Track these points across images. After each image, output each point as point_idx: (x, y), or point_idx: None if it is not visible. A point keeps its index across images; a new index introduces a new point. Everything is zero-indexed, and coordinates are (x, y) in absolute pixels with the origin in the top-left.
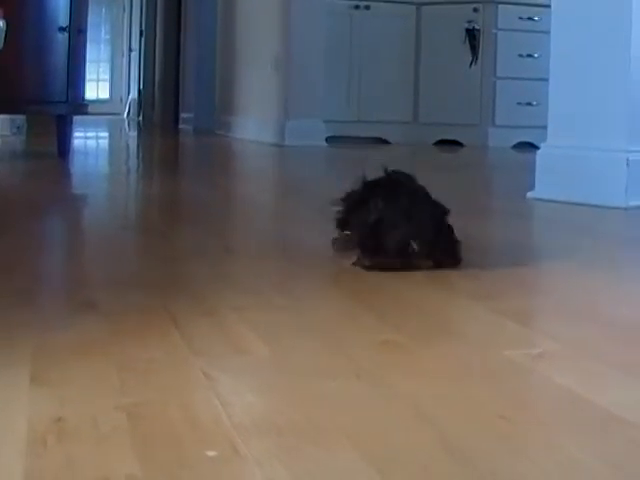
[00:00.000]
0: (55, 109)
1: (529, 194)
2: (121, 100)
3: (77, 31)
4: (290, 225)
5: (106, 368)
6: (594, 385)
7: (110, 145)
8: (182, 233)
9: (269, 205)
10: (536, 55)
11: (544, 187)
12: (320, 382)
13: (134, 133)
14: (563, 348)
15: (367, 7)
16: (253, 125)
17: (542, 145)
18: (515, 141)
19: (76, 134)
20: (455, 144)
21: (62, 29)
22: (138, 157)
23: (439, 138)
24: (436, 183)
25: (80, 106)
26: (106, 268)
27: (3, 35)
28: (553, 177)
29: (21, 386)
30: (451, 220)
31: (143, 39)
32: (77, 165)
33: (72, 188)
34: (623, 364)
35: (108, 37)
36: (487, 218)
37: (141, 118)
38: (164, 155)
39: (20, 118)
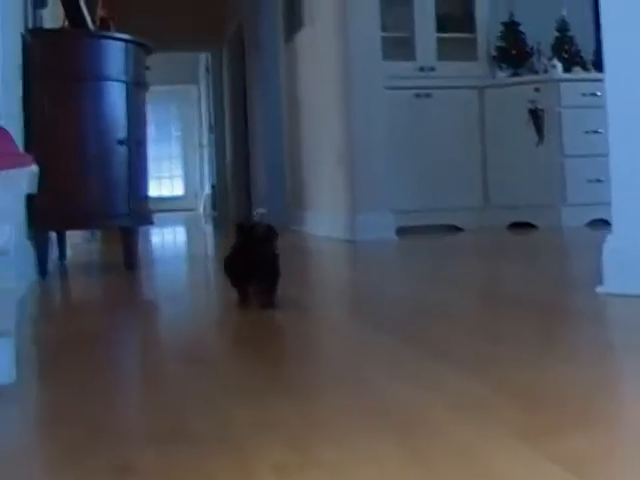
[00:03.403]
0: (118, 222)
1: (599, 289)
2: (196, 196)
3: (136, 143)
4: (359, 359)
5: None
6: None
7: (185, 245)
8: (242, 368)
9: (339, 325)
10: (601, 131)
11: (614, 281)
12: None
13: (209, 229)
14: None
15: (428, 95)
16: (324, 220)
17: (608, 237)
18: (588, 219)
19: (154, 231)
20: (529, 226)
21: (121, 142)
22: (214, 260)
23: (512, 221)
24: (505, 275)
25: (144, 217)
26: (153, 416)
27: (36, 179)
28: (624, 270)
29: None
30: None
31: (213, 135)
32: (146, 278)
33: (132, 313)
34: None
35: (179, 134)
36: (549, 320)
37: (216, 213)
38: None
39: None
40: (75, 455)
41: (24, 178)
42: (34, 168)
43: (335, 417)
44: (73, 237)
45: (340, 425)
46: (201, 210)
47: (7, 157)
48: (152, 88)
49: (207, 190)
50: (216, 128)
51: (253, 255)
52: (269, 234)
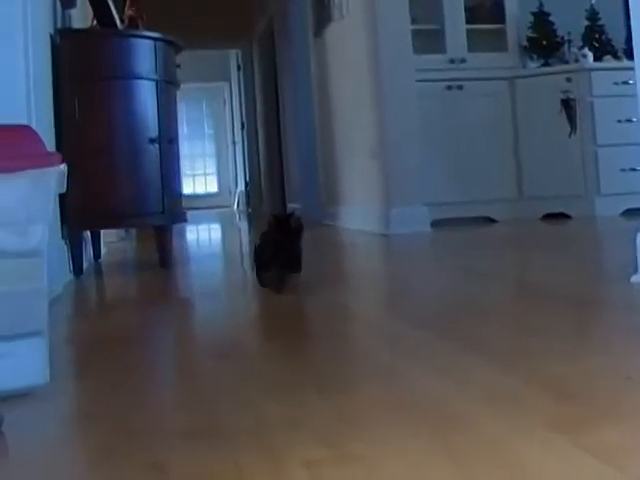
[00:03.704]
0: (152, 220)
1: (633, 278)
2: (230, 192)
3: (167, 141)
4: (391, 353)
5: None
6: None
7: (220, 242)
8: (277, 364)
9: (371, 319)
10: (634, 119)
11: None
12: None
13: (244, 225)
14: None
15: (460, 87)
16: (357, 214)
17: None
18: (623, 208)
19: (189, 228)
20: (563, 216)
21: (152, 140)
22: (248, 257)
23: (546, 212)
24: (538, 266)
25: (177, 215)
26: (186, 412)
27: (65, 179)
28: None
29: None
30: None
31: (245, 132)
32: (181, 276)
33: (167, 310)
34: None
35: (212, 132)
36: (582, 311)
37: (250, 210)
38: None
39: None
40: (109, 453)
41: (53, 178)
42: (63, 167)
43: (367, 411)
44: (108, 236)
45: (372, 420)
46: (235, 207)
47: (35, 157)
48: (184, 86)
49: (241, 187)
50: (248, 125)
51: (279, 244)
52: (296, 227)
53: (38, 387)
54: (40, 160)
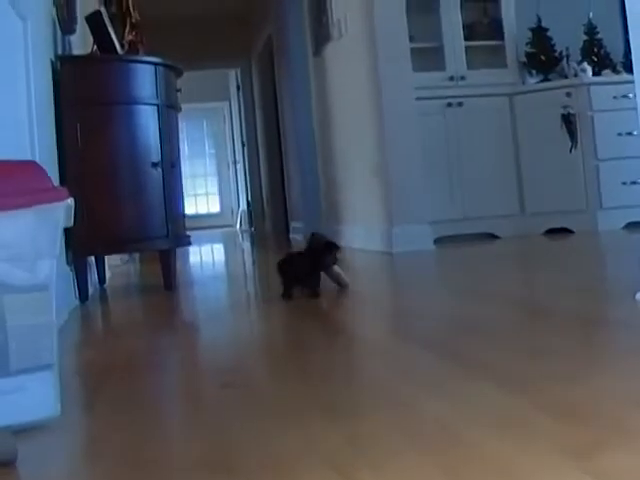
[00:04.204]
0: (156, 245)
1: (638, 295)
2: (232, 212)
3: (170, 165)
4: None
5: None
6: None
7: (223, 264)
8: (283, 390)
9: (377, 342)
10: (635, 132)
11: None
12: None
13: (247, 246)
14: None
15: (460, 104)
16: (360, 233)
17: None
18: (625, 222)
19: (192, 249)
20: (565, 231)
21: (155, 165)
22: (253, 280)
23: (548, 227)
24: (542, 284)
25: (181, 238)
26: (196, 445)
27: (72, 213)
28: None
29: None
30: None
31: (246, 150)
32: (186, 299)
33: (173, 336)
34: None
35: (213, 151)
36: (589, 331)
37: (253, 229)
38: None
39: None
40: None
41: (60, 212)
42: (70, 202)
43: (377, 439)
44: (112, 259)
45: (381, 446)
46: (238, 226)
47: (42, 192)
48: (184, 106)
49: (243, 206)
50: (249, 144)
51: (307, 263)
52: (327, 249)
53: (49, 420)
54: (47, 195)
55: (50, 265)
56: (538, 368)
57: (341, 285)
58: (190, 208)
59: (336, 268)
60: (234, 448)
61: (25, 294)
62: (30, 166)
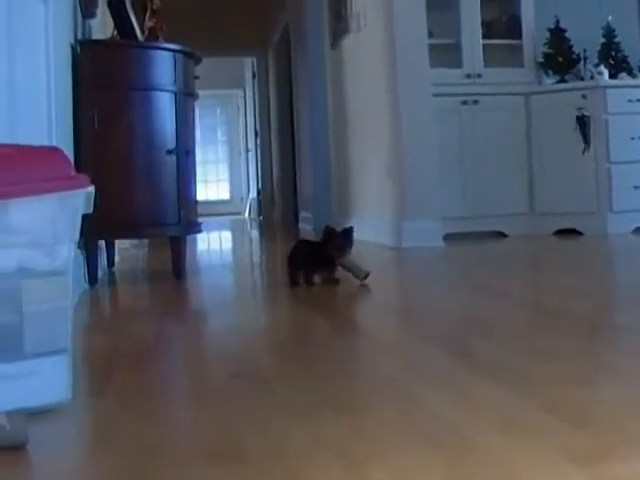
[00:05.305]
0: (167, 231)
1: None
2: (241, 200)
3: (184, 153)
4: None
5: None
6: None
7: (231, 252)
8: (291, 382)
9: (386, 338)
10: None
11: None
12: None
13: (256, 234)
14: None
15: (475, 102)
16: (369, 226)
17: None
18: (635, 226)
19: (201, 236)
20: (574, 232)
21: (170, 152)
22: (261, 270)
23: (557, 228)
24: (553, 286)
25: (192, 226)
26: (205, 434)
27: (92, 200)
28: None
29: None
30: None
31: (259, 139)
32: (194, 286)
33: (182, 323)
34: None
35: (225, 138)
36: (599, 335)
37: (262, 218)
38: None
39: None
40: (127, 477)
41: (81, 199)
42: (90, 189)
43: (384, 433)
44: (121, 242)
45: (389, 441)
46: (246, 214)
47: (64, 179)
48: (198, 92)
49: (253, 194)
50: (262, 133)
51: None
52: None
53: (61, 404)
54: (70, 182)
55: (68, 251)
56: (549, 371)
57: (356, 276)
58: (200, 194)
59: (350, 259)
60: (243, 438)
61: (43, 279)
62: (54, 152)
